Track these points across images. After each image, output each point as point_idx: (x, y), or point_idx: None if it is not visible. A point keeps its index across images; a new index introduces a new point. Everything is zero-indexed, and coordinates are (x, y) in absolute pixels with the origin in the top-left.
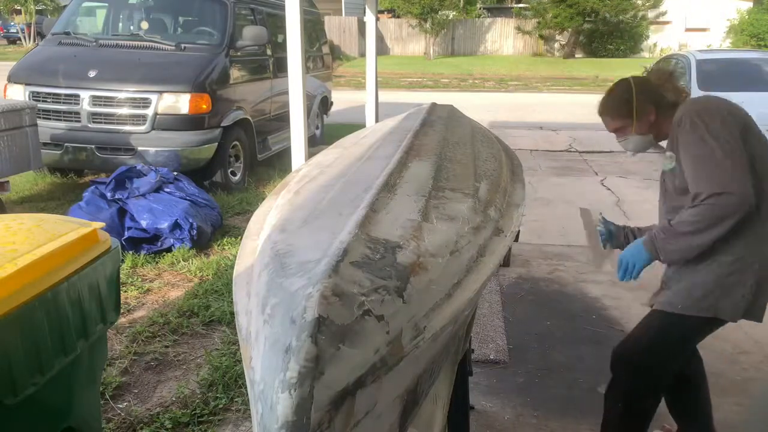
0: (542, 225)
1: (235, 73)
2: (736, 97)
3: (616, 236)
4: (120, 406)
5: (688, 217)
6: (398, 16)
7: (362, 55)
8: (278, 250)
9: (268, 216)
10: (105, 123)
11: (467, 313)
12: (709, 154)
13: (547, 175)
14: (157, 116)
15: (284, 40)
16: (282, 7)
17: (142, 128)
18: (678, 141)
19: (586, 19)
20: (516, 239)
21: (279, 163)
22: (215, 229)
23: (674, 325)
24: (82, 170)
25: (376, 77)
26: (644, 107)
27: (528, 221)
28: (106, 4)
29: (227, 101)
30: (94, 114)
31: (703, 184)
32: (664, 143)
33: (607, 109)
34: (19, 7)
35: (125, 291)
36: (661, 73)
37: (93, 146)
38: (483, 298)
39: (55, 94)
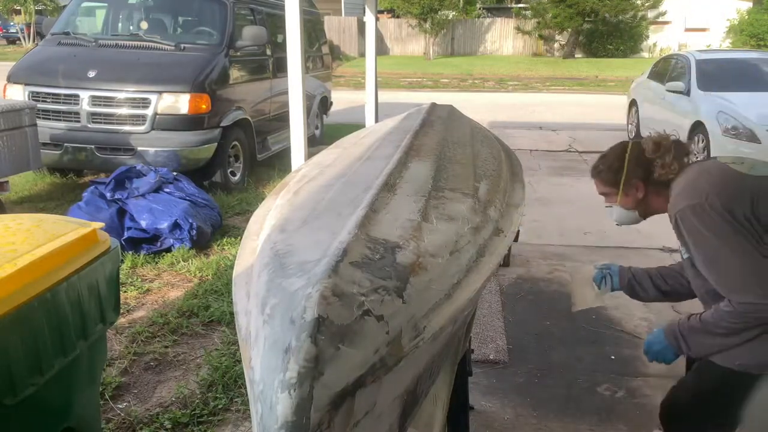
0: (542, 225)
1: (235, 73)
2: (736, 97)
3: (619, 275)
4: (120, 406)
5: (723, 320)
6: (398, 16)
7: (362, 55)
8: (278, 250)
9: (268, 216)
10: (104, 123)
11: (467, 313)
12: (715, 255)
13: (547, 175)
14: (157, 116)
15: (284, 40)
16: (282, 7)
17: (141, 128)
18: (683, 239)
19: (586, 19)
20: (516, 239)
21: (279, 163)
22: (215, 229)
23: (732, 381)
24: (82, 170)
25: (376, 77)
26: (632, 181)
27: (528, 221)
28: (106, 4)
29: (227, 101)
30: (93, 114)
31: (727, 289)
32: None
33: (597, 172)
34: (18, 7)
35: (125, 291)
36: (661, 145)
37: (92, 146)
38: (483, 298)
39: (54, 94)
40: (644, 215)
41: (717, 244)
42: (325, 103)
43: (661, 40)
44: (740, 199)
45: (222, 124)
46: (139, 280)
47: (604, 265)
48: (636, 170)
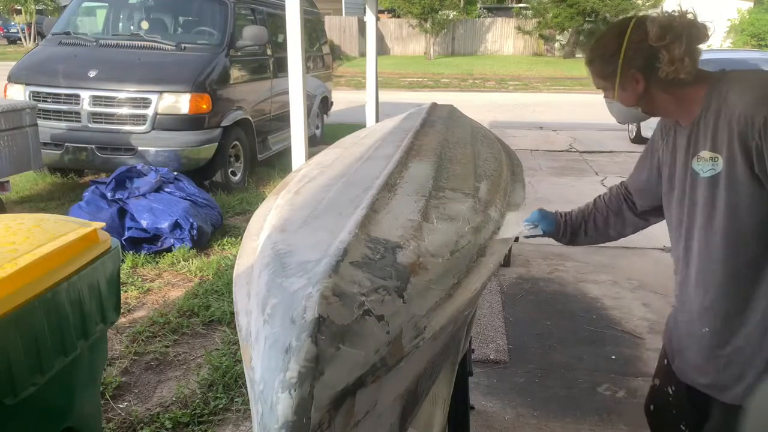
0: None
1: (235, 73)
2: None
3: (555, 224)
4: (120, 406)
5: None
6: (398, 16)
7: (362, 55)
8: (278, 250)
9: (268, 216)
10: (105, 123)
11: (467, 313)
12: None
13: (547, 175)
14: (158, 116)
15: (284, 40)
16: (282, 7)
17: (142, 128)
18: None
19: (587, 19)
20: (516, 239)
21: (279, 163)
22: (215, 229)
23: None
24: (82, 170)
25: (377, 77)
26: (630, 72)
27: None
28: (106, 4)
29: (227, 101)
30: (94, 114)
31: None
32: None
33: (589, 61)
34: (19, 7)
35: (125, 291)
36: (669, 29)
37: (93, 146)
38: (483, 298)
39: (55, 94)
40: (650, 113)
41: None
42: (326, 103)
43: None
44: None
45: (222, 124)
46: (140, 279)
47: (535, 216)
48: (635, 59)
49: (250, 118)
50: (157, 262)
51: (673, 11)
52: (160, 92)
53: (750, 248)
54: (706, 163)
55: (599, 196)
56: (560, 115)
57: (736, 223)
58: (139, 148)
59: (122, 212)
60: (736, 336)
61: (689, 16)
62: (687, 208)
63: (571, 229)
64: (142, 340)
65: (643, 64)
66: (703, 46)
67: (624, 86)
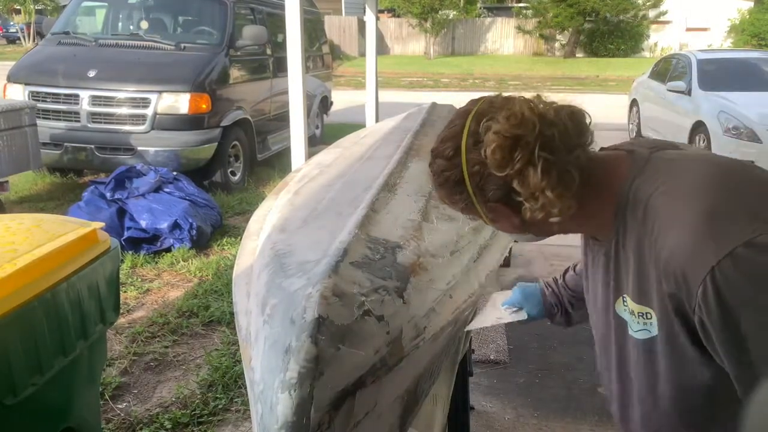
0: None
1: (235, 73)
2: (737, 97)
3: (536, 296)
4: (120, 406)
5: None
6: (398, 16)
7: (362, 54)
8: (278, 250)
9: (268, 216)
10: (104, 123)
11: (467, 313)
12: None
13: None
14: (157, 116)
15: (284, 40)
16: (282, 7)
17: (141, 128)
18: (709, 309)
19: (587, 18)
20: (516, 239)
21: (279, 163)
22: (215, 229)
23: None
24: (82, 170)
25: (376, 77)
26: (487, 205)
27: None
28: (106, 4)
29: (227, 101)
30: (93, 114)
31: None
32: None
33: (435, 185)
34: (18, 7)
35: (125, 291)
36: (515, 145)
37: (92, 146)
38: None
39: (54, 94)
40: (547, 235)
41: None
42: (326, 103)
43: (662, 40)
44: None
45: (222, 124)
46: (139, 280)
47: (516, 297)
48: (487, 191)
49: (250, 118)
50: (156, 263)
51: (523, 105)
52: (160, 92)
53: (702, 411)
54: (635, 319)
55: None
56: None
57: (684, 389)
58: (139, 148)
59: (121, 212)
60: None
61: (542, 107)
62: (616, 356)
63: (561, 306)
64: (142, 340)
65: (500, 196)
66: (704, 46)
67: (494, 219)
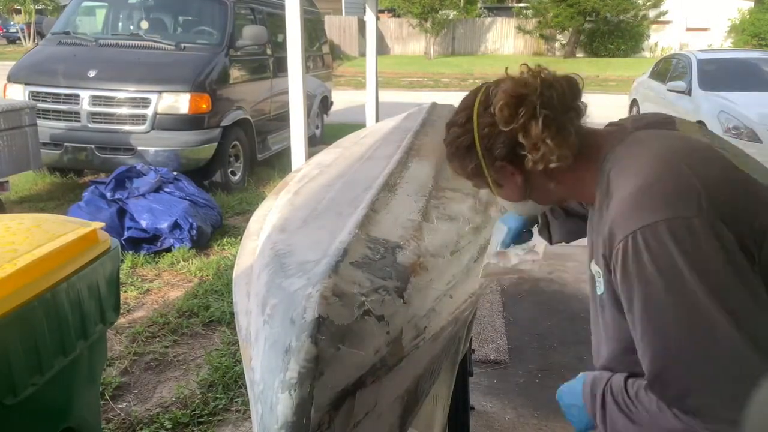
0: None
1: (235, 73)
2: (737, 97)
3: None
4: (120, 406)
5: (651, 416)
6: (398, 16)
7: (362, 54)
8: (278, 250)
9: (268, 216)
10: (105, 123)
11: (468, 313)
12: (696, 325)
13: None
14: (157, 116)
15: (284, 40)
16: (282, 7)
17: (141, 128)
18: (616, 273)
19: (587, 18)
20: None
21: (279, 163)
22: (215, 229)
23: None
24: (82, 170)
25: (377, 77)
26: (495, 165)
27: None
28: (106, 4)
29: (227, 101)
30: (93, 114)
31: (676, 382)
32: None
33: (449, 156)
34: (18, 7)
35: (125, 291)
36: (520, 103)
37: (93, 146)
38: (483, 298)
39: (54, 94)
40: (547, 203)
41: (708, 304)
42: (326, 103)
43: (662, 40)
44: (745, 215)
45: (222, 124)
46: (139, 280)
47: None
48: (495, 149)
49: (250, 118)
50: (156, 263)
51: (522, 72)
52: (160, 92)
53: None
54: (597, 278)
55: None
56: None
57: (615, 350)
58: (139, 148)
59: (122, 212)
60: None
61: (543, 74)
62: (592, 311)
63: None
64: (142, 340)
65: (506, 153)
66: (704, 46)
67: (498, 182)
